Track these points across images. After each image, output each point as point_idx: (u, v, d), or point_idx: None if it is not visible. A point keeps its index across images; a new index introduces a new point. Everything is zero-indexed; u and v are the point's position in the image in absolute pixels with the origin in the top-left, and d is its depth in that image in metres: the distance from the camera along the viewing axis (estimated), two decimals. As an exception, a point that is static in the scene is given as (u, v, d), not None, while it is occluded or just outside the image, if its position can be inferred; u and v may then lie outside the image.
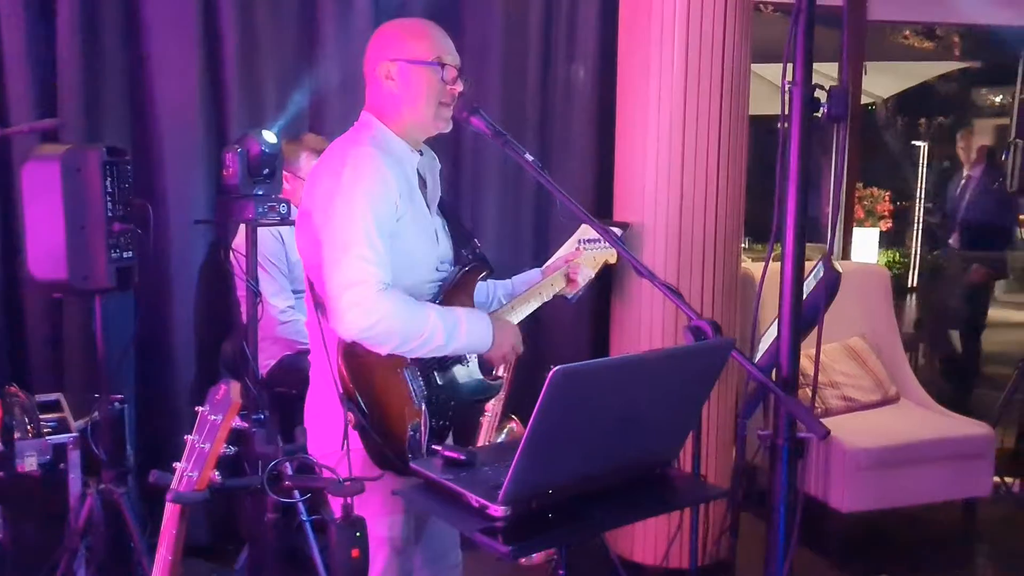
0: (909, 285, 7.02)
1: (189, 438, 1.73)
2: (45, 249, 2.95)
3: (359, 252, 1.92)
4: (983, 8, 4.72)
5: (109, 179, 2.98)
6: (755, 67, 3.97)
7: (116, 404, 3.21)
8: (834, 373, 4.17)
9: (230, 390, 1.73)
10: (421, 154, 2.19)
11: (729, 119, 3.50)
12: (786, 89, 1.79)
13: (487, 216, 4.04)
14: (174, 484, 1.71)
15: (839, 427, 3.93)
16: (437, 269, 2.15)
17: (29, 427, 2.96)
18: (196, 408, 1.75)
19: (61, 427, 3.06)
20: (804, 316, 2.71)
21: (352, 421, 1.96)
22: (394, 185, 2.00)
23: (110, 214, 2.99)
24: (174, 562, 1.73)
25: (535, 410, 1.55)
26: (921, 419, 4.16)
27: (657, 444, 1.84)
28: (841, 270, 2.66)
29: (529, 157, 2.10)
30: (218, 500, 3.50)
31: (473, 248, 2.27)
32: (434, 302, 2.10)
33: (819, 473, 3.88)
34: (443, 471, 1.83)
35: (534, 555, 3.34)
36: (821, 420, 4.13)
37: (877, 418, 4.11)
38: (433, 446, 1.94)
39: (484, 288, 2.37)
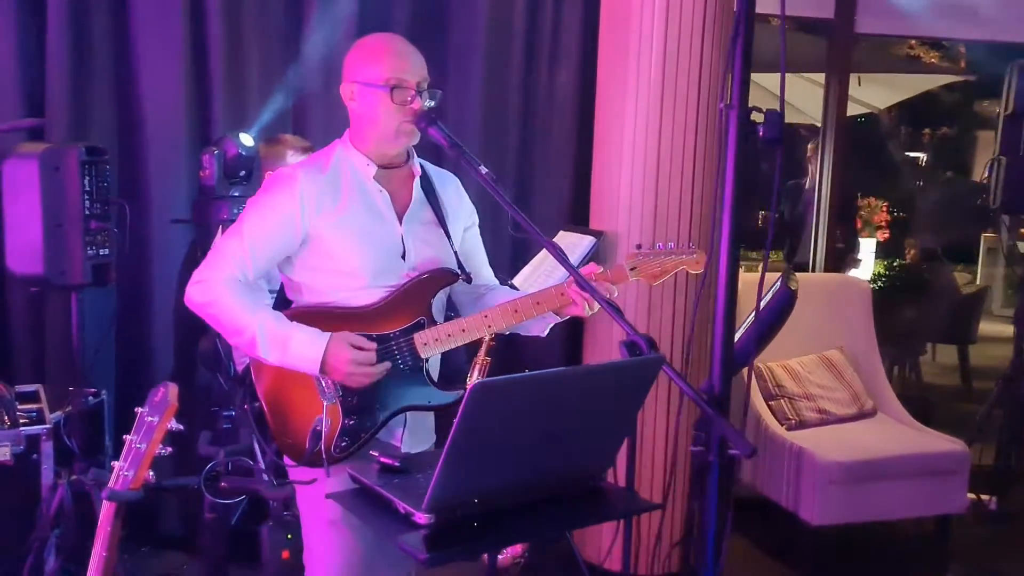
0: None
1: (127, 437, 1.78)
2: (23, 245, 3.03)
3: (229, 247, 2.14)
4: (967, 24, 4.73)
5: (87, 178, 3.06)
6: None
7: (90, 397, 3.29)
8: (810, 385, 4.17)
9: (168, 393, 1.79)
10: (410, 165, 2.24)
11: (706, 128, 3.52)
12: (721, 111, 1.82)
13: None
14: (110, 483, 1.77)
15: (813, 439, 3.94)
16: (407, 275, 2.18)
17: (6, 417, 3.02)
18: (135, 409, 1.80)
19: (39, 418, 3.13)
20: (760, 330, 2.74)
21: (250, 410, 2.05)
22: (310, 201, 2.10)
23: (87, 212, 3.06)
24: (109, 558, 1.78)
25: (455, 422, 1.59)
26: (896, 434, 4.14)
27: (587, 456, 1.88)
28: (797, 287, 2.70)
29: (483, 170, 2.12)
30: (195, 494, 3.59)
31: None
32: (377, 307, 2.14)
33: (790, 485, 3.88)
34: (377, 477, 1.88)
35: (499, 557, 3.39)
36: (795, 432, 4.10)
37: (852, 432, 4.10)
38: (371, 451, 1.98)
39: (504, 294, 2.36)
